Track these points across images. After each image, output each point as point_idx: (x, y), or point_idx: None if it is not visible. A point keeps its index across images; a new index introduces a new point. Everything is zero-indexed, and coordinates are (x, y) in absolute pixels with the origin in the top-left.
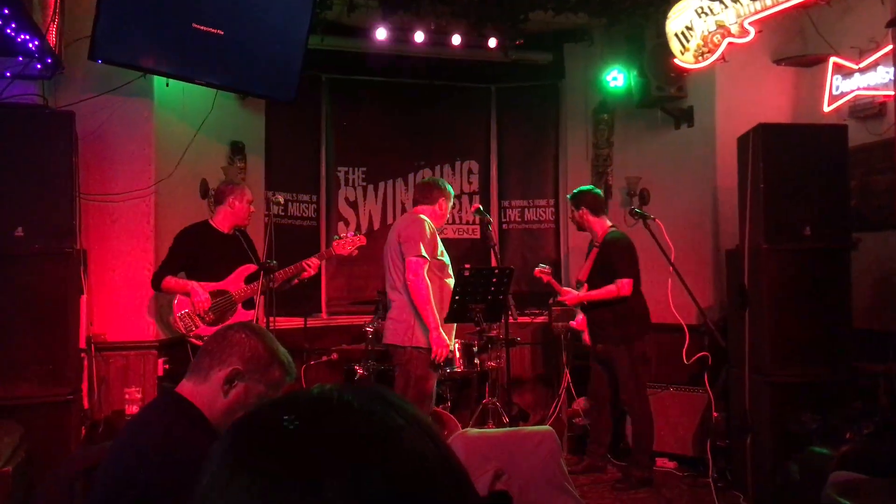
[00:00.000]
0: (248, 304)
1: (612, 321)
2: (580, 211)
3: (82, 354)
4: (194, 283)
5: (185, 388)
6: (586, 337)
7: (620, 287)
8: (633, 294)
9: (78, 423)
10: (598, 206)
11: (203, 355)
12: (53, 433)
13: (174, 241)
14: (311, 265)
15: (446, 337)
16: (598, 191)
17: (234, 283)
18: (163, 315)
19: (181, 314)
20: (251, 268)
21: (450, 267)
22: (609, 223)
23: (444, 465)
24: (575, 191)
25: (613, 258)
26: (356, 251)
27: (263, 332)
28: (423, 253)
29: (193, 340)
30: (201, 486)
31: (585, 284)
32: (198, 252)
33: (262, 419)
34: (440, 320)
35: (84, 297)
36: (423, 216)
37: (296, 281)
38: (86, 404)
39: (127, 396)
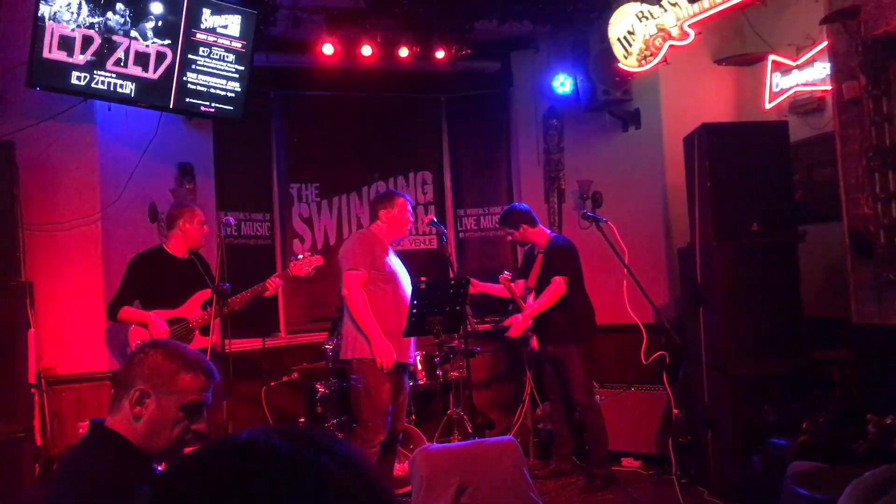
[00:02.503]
0: (206, 329)
1: (560, 322)
2: (520, 230)
3: (32, 390)
4: (152, 315)
5: (109, 420)
6: (534, 342)
7: (556, 286)
8: (578, 295)
9: (31, 460)
10: (532, 218)
11: (114, 385)
12: (6, 472)
13: (127, 269)
14: (271, 286)
15: (389, 344)
16: (524, 205)
17: (191, 309)
18: (119, 344)
19: (137, 344)
20: (207, 293)
21: (400, 276)
22: (548, 231)
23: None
24: (504, 214)
25: (553, 260)
26: (313, 271)
27: (166, 343)
28: (356, 266)
29: None
30: None
31: (533, 291)
32: (152, 279)
33: (186, 469)
34: (396, 330)
35: (32, 331)
36: (368, 230)
37: (257, 301)
38: (38, 441)
39: (81, 431)
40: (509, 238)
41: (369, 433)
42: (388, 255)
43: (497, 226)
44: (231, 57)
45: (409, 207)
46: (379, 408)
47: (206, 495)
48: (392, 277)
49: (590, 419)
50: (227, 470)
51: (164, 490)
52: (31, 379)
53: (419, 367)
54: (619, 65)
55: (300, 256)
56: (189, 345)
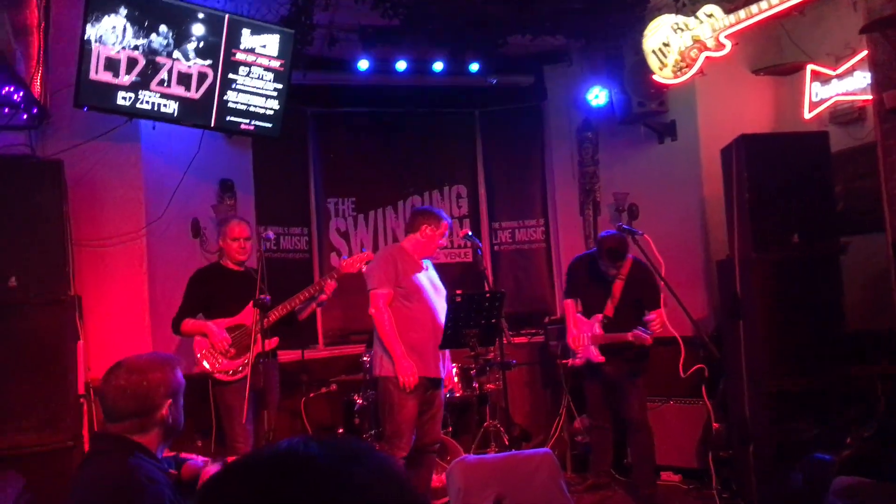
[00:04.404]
0: (265, 333)
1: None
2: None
3: (81, 400)
4: (210, 325)
5: (142, 440)
6: (577, 361)
7: (665, 318)
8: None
9: None
10: None
11: (124, 417)
12: (55, 481)
13: (188, 285)
14: (327, 288)
15: (411, 364)
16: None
17: (249, 315)
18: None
19: (202, 353)
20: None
21: (428, 292)
22: None
23: None
24: (618, 244)
25: (649, 288)
26: (364, 266)
27: (135, 366)
28: (380, 285)
29: (218, 376)
30: None
31: (609, 318)
32: (211, 292)
33: (228, 482)
34: (420, 347)
35: (80, 343)
36: (397, 245)
37: (314, 305)
38: (87, 449)
39: None
40: (625, 269)
41: (392, 448)
42: (417, 269)
43: (532, 239)
44: (269, 76)
45: (446, 234)
46: (401, 425)
47: (247, 502)
48: (417, 293)
49: (642, 437)
50: (267, 478)
51: (208, 496)
52: (80, 389)
53: (455, 379)
54: (655, 77)
55: (352, 254)
56: (252, 348)
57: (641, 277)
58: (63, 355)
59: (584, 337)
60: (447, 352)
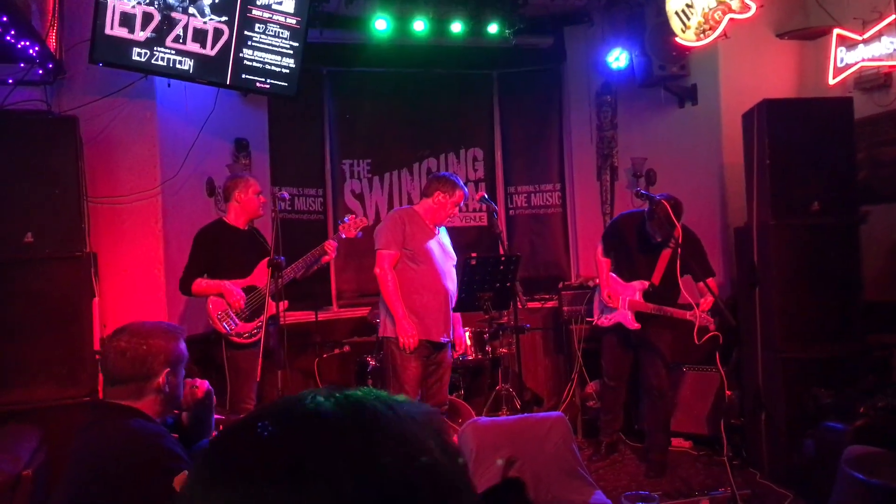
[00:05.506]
0: (275, 296)
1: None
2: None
3: (96, 356)
4: (226, 283)
5: (138, 405)
6: (604, 321)
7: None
8: None
9: None
10: None
11: (122, 381)
12: (71, 435)
13: (193, 244)
14: (330, 248)
15: (412, 325)
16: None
17: (261, 276)
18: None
19: (219, 315)
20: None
21: (437, 256)
22: None
23: (421, 468)
24: (679, 208)
25: (698, 258)
26: (360, 233)
27: (138, 331)
28: (386, 246)
29: (235, 339)
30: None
31: (656, 284)
32: (218, 251)
33: (239, 430)
34: (424, 310)
35: (96, 300)
36: (410, 208)
37: (315, 267)
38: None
39: None
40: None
41: None
42: (427, 233)
43: (548, 203)
44: (286, 33)
45: (462, 203)
46: (404, 385)
47: (256, 454)
48: (425, 257)
49: (662, 406)
50: (276, 428)
51: (216, 450)
52: (96, 345)
53: (468, 342)
54: (677, 39)
55: (347, 219)
56: (264, 312)
57: (690, 247)
58: (79, 312)
59: (622, 300)
60: (458, 316)
